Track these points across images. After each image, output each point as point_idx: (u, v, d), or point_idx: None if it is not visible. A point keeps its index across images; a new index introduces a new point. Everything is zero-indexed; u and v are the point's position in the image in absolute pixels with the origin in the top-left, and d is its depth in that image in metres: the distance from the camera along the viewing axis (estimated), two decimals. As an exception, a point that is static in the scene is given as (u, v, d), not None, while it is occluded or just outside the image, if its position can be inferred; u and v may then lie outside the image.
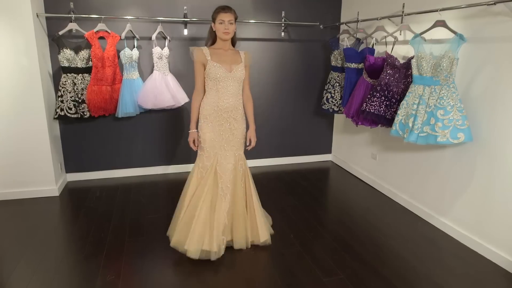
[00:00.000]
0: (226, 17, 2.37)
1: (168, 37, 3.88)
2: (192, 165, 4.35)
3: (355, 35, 3.95)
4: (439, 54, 2.66)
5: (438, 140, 2.66)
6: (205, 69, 2.49)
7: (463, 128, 2.60)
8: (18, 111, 3.39)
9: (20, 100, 3.37)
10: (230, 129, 2.56)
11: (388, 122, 3.25)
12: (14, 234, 2.90)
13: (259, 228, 2.65)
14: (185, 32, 4.01)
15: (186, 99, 3.93)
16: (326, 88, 4.24)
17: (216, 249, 2.45)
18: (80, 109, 3.61)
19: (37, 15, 3.37)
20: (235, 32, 2.51)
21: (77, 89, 3.58)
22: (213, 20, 2.43)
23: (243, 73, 2.53)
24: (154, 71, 3.80)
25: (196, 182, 2.58)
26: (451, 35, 2.68)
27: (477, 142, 2.67)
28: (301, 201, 3.59)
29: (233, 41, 2.58)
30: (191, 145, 2.60)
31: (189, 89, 4.03)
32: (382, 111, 3.26)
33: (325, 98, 4.24)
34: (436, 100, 2.69)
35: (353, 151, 4.40)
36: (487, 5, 2.45)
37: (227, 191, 2.56)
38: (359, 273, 2.43)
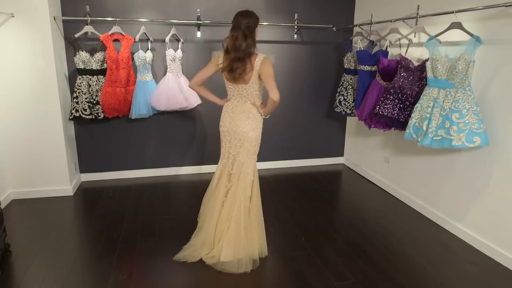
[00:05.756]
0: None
1: (181, 40, 3.91)
2: (203, 166, 4.45)
3: (368, 37, 3.92)
4: (455, 56, 2.62)
5: (453, 143, 2.61)
6: None
7: (479, 132, 2.55)
8: (34, 112, 3.46)
9: (37, 101, 3.44)
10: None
11: (402, 125, 3.21)
12: (30, 232, 2.96)
13: (225, 245, 2.45)
14: (198, 34, 4.04)
15: (199, 101, 3.95)
16: (338, 90, 4.21)
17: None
18: (94, 110, 3.66)
19: (54, 18, 3.44)
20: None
21: (92, 90, 3.64)
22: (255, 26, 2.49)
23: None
24: (167, 73, 3.83)
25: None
26: (467, 37, 2.63)
27: (494, 146, 2.62)
28: (313, 204, 3.57)
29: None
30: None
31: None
32: (396, 114, 3.22)
33: (337, 100, 4.21)
34: (451, 103, 2.64)
35: (365, 154, 4.36)
36: (505, 6, 2.40)
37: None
38: (372, 278, 2.40)
